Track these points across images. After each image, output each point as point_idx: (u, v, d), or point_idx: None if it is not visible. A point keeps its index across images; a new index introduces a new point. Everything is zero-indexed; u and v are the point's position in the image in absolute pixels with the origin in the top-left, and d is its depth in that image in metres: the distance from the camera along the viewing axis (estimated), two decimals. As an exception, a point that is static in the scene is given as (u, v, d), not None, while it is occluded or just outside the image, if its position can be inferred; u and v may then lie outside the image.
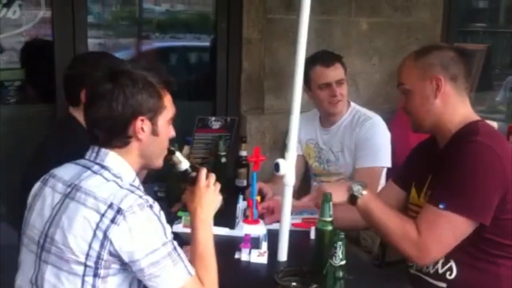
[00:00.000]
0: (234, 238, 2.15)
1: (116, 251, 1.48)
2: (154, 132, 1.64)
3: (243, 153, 2.85)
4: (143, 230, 1.50)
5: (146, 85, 1.61)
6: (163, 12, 4.88)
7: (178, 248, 1.57)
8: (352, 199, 2.03)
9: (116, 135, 1.61)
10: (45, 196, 1.63)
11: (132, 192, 1.53)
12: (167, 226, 1.56)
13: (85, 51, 3.15)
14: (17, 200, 2.18)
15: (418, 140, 2.36)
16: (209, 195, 1.78)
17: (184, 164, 1.82)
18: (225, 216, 2.36)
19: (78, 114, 2.26)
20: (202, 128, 2.84)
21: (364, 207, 2.02)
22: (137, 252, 1.49)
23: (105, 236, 1.47)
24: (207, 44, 3.97)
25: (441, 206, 1.89)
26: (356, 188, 2.03)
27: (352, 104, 2.99)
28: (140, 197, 1.52)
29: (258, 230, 2.17)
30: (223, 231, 2.30)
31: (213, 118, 2.88)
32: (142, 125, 1.61)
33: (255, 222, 2.23)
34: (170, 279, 1.53)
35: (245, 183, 2.85)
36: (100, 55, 2.54)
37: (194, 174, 1.81)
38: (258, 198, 2.45)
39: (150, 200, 1.54)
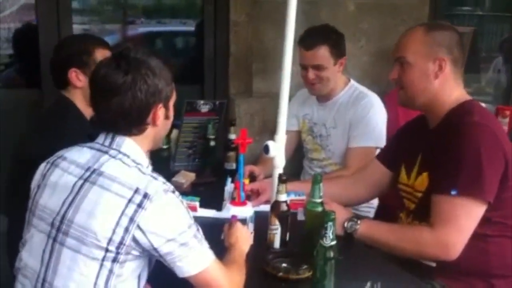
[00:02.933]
0: (221, 220, 2.14)
1: (143, 235, 1.49)
2: (167, 116, 1.69)
3: (232, 136, 2.83)
4: (171, 213, 1.53)
5: (163, 72, 1.63)
6: (149, -4, 4.82)
7: (200, 230, 1.61)
8: (348, 235, 2.05)
9: (137, 123, 1.62)
10: (57, 178, 1.62)
11: (156, 178, 1.55)
12: (189, 210, 1.59)
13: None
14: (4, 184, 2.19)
15: (407, 119, 2.37)
16: (247, 232, 1.94)
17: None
18: (212, 199, 2.38)
19: (69, 95, 2.30)
20: (190, 111, 2.82)
21: (363, 238, 2.04)
22: (166, 235, 1.51)
23: (132, 221, 1.48)
24: (194, 28, 3.94)
25: (453, 193, 1.88)
26: (349, 225, 2.06)
27: (352, 81, 2.96)
28: (164, 183, 1.56)
29: (245, 211, 2.17)
30: (210, 213, 2.30)
31: (202, 102, 2.86)
32: (159, 111, 1.63)
33: (242, 204, 2.23)
34: (198, 259, 1.56)
35: (234, 166, 2.83)
36: (81, 37, 2.55)
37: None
38: (246, 180, 2.45)
39: (171, 186, 1.57)
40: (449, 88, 2.04)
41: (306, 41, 2.76)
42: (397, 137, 2.38)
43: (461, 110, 2.02)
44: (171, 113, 1.72)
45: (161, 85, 1.61)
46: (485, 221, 1.93)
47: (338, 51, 2.83)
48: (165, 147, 2.72)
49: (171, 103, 1.70)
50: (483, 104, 3.02)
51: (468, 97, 2.10)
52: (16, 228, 1.76)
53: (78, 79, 2.28)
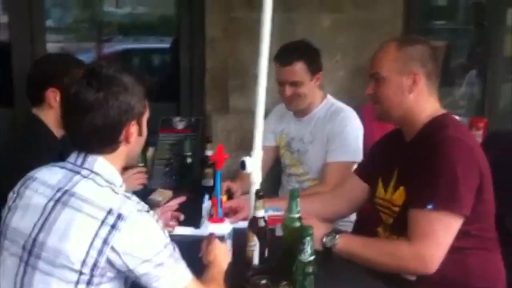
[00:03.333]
0: (199, 237, 2.12)
1: (118, 256, 1.46)
2: (140, 133, 1.66)
3: (209, 152, 2.81)
4: (146, 233, 1.50)
5: (135, 88, 1.60)
6: (125, 14, 4.83)
7: (177, 249, 1.58)
8: (327, 249, 2.04)
9: (109, 141, 1.59)
10: (27, 199, 1.58)
11: (129, 198, 1.53)
12: (164, 229, 1.58)
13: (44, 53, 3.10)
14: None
15: (383, 133, 2.37)
16: (225, 249, 1.91)
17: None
18: (190, 216, 2.36)
19: (42, 114, 2.29)
20: (166, 128, 2.80)
21: (341, 253, 2.03)
22: (141, 255, 1.48)
23: (106, 242, 1.45)
24: (170, 45, 3.93)
25: (429, 207, 1.89)
26: (328, 239, 2.05)
27: (328, 96, 2.97)
28: (138, 202, 1.53)
29: (223, 228, 2.15)
30: (188, 230, 2.28)
31: (178, 118, 2.85)
32: (132, 129, 1.61)
33: (220, 220, 2.21)
34: (175, 279, 1.54)
35: (211, 182, 2.81)
36: (63, 56, 2.55)
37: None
38: (224, 197, 2.43)
39: (146, 205, 1.55)
40: (423, 101, 2.06)
41: (282, 57, 2.76)
42: (373, 150, 2.39)
43: (436, 124, 2.04)
44: (145, 129, 1.69)
45: (133, 102, 1.59)
46: (463, 234, 1.94)
47: (315, 67, 2.83)
48: (140, 165, 2.68)
49: (144, 119, 1.68)
50: (457, 117, 3.06)
51: (443, 111, 2.11)
52: None
53: (55, 99, 2.26)
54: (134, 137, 1.63)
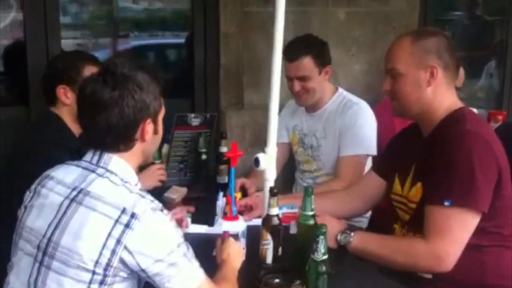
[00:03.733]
0: (213, 235, 2.12)
1: (131, 256, 1.47)
2: (155, 131, 1.66)
3: (224, 149, 2.81)
4: (159, 232, 1.50)
5: (151, 87, 1.61)
6: (140, 10, 4.82)
7: (190, 248, 1.58)
8: (341, 247, 2.02)
9: (125, 140, 1.60)
10: (43, 198, 1.59)
11: (143, 196, 1.53)
12: (178, 228, 1.57)
13: (59, 51, 3.11)
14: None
15: (404, 126, 2.34)
16: (239, 247, 1.92)
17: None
18: (204, 214, 2.35)
19: (59, 112, 2.30)
20: (181, 125, 2.80)
21: (356, 251, 2.02)
22: (154, 255, 1.48)
23: (119, 242, 1.45)
24: (184, 41, 3.92)
25: (446, 203, 1.86)
26: (342, 237, 2.03)
27: (340, 89, 2.94)
28: (152, 201, 1.53)
29: (237, 226, 2.14)
30: (202, 228, 2.28)
31: (192, 115, 2.84)
32: (148, 127, 1.61)
33: (234, 218, 2.20)
34: (188, 279, 1.54)
35: (226, 179, 2.79)
36: (73, 53, 2.55)
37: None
38: (238, 194, 2.42)
39: (160, 204, 1.55)
40: (441, 95, 2.03)
41: (289, 53, 2.74)
42: (391, 146, 2.35)
43: (453, 118, 2.00)
44: (160, 127, 1.69)
45: (148, 100, 1.59)
46: (480, 231, 1.90)
47: (322, 60, 2.81)
48: (157, 161, 2.68)
49: (160, 118, 1.68)
50: (475, 110, 3.01)
51: (460, 104, 2.08)
52: (4, 249, 1.73)
53: (66, 96, 2.27)
54: (150, 135, 1.63)
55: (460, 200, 1.86)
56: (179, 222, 2.20)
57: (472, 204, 1.87)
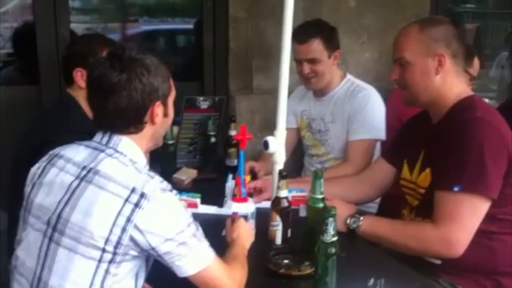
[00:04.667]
0: (223, 216, 2.12)
1: (141, 235, 1.47)
2: (165, 114, 1.66)
3: (233, 132, 2.81)
4: (169, 212, 1.50)
5: (159, 70, 1.60)
6: (150, -5, 4.82)
7: (200, 228, 1.58)
8: (351, 231, 2.03)
9: (134, 122, 1.59)
10: (53, 176, 1.59)
11: (152, 177, 1.52)
12: (187, 209, 1.57)
13: (67, 32, 3.15)
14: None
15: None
16: (248, 228, 1.93)
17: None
18: (214, 196, 2.36)
19: (74, 94, 2.30)
20: (190, 108, 2.79)
21: (365, 235, 2.03)
22: (164, 234, 1.48)
23: (129, 220, 1.45)
24: (193, 26, 3.92)
25: (456, 189, 1.85)
26: (352, 221, 2.05)
27: (348, 75, 2.94)
28: (161, 181, 1.53)
29: (246, 208, 2.14)
30: (211, 209, 2.28)
31: (201, 98, 2.83)
32: (157, 109, 1.61)
33: (243, 200, 2.20)
34: (197, 258, 1.53)
35: (235, 162, 2.81)
36: (91, 37, 2.54)
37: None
38: (247, 177, 2.42)
39: (169, 185, 1.55)
40: (450, 82, 2.02)
41: (299, 35, 2.73)
42: (400, 133, 2.35)
43: (463, 105, 2.00)
44: (171, 110, 1.69)
45: (157, 83, 1.59)
46: (490, 218, 1.90)
47: (332, 44, 2.80)
48: (170, 142, 2.68)
49: (170, 101, 1.67)
50: (486, 100, 3.00)
51: (471, 92, 2.08)
52: (17, 225, 1.74)
53: (83, 79, 2.27)
54: (160, 118, 1.63)
55: (470, 186, 1.86)
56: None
57: (481, 190, 1.87)
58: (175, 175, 2.60)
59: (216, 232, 1.93)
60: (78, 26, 3.60)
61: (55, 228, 1.52)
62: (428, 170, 2.02)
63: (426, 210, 1.98)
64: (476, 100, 2.03)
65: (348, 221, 2.05)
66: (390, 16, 3.58)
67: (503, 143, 1.90)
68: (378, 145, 2.84)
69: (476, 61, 2.92)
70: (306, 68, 2.78)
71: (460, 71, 2.04)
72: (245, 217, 2.00)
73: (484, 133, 1.88)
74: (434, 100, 2.05)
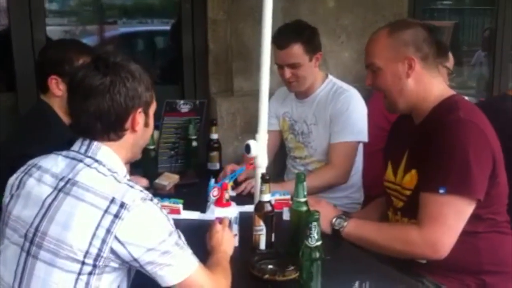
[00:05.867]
0: (206, 222, 2.11)
1: (122, 246, 1.44)
2: (146, 124, 1.65)
3: (214, 136, 2.80)
4: (150, 221, 1.48)
5: (143, 77, 1.60)
6: (128, -3, 4.78)
7: (182, 236, 1.56)
8: (336, 232, 2.03)
9: (115, 128, 1.57)
10: (30, 188, 1.56)
11: (132, 187, 1.50)
12: (169, 217, 1.55)
13: (44, 38, 3.09)
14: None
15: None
16: (228, 233, 1.90)
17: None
18: (196, 201, 2.34)
19: (49, 101, 2.25)
20: (170, 112, 2.77)
21: (349, 236, 2.03)
22: (146, 244, 1.46)
23: (109, 232, 1.43)
24: (172, 27, 3.89)
25: (441, 191, 1.86)
26: (337, 221, 2.05)
27: (330, 76, 2.93)
28: (141, 191, 1.51)
29: (229, 212, 2.13)
30: (194, 215, 2.27)
31: (182, 102, 2.82)
32: (139, 117, 1.60)
33: (226, 204, 2.19)
34: (181, 267, 1.52)
35: (217, 166, 2.81)
36: (67, 43, 2.46)
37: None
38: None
39: (149, 194, 1.53)
40: (425, 84, 2.02)
41: (278, 40, 2.72)
42: (389, 133, 2.35)
43: (445, 106, 2.00)
44: (151, 121, 1.68)
45: (140, 90, 1.58)
46: (475, 218, 1.91)
47: (312, 47, 2.78)
48: (151, 147, 2.65)
49: (151, 111, 1.66)
50: (466, 98, 3.01)
51: (452, 92, 2.08)
52: None
53: (58, 87, 2.22)
54: (141, 127, 1.62)
55: (455, 188, 1.86)
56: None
57: (467, 192, 1.87)
58: (157, 181, 2.58)
59: (200, 238, 1.92)
60: (55, 29, 3.55)
61: (32, 241, 1.49)
62: (414, 172, 2.01)
63: (411, 211, 1.98)
64: (459, 100, 2.03)
65: (333, 221, 2.05)
66: (369, 16, 3.58)
67: (487, 143, 1.91)
68: (361, 146, 2.84)
69: (450, 56, 2.94)
70: (287, 72, 2.77)
71: (434, 72, 2.04)
72: (228, 222, 1.99)
73: (468, 134, 1.88)
74: (413, 104, 2.05)
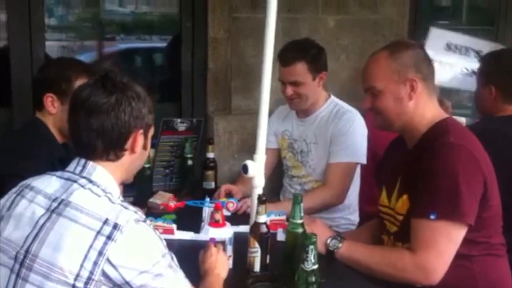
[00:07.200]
0: (200, 242, 2.08)
1: (114, 269, 1.41)
2: (144, 146, 1.64)
3: (210, 155, 2.78)
4: (143, 243, 1.46)
5: (147, 99, 1.61)
6: (127, 13, 4.80)
7: (175, 258, 1.55)
8: (330, 253, 2.01)
9: (115, 147, 1.57)
10: (22, 208, 1.53)
11: (126, 208, 1.48)
12: (162, 238, 1.53)
13: (42, 54, 3.08)
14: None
15: (386, 137, 2.32)
16: (222, 256, 1.86)
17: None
18: (190, 220, 2.32)
19: (44, 118, 2.25)
20: (167, 130, 2.76)
21: (343, 258, 2.01)
22: (138, 267, 1.43)
23: (101, 254, 1.40)
24: (171, 45, 3.88)
25: (432, 217, 1.84)
26: (332, 243, 2.03)
27: (332, 96, 2.93)
28: (135, 212, 1.49)
29: (224, 233, 2.10)
30: (188, 235, 2.24)
31: (179, 120, 2.81)
32: (139, 138, 1.60)
33: (221, 225, 2.16)
34: None
35: (213, 185, 2.78)
36: (65, 63, 2.41)
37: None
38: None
39: (143, 215, 1.51)
40: (422, 106, 2.01)
41: (283, 57, 2.72)
42: (382, 157, 2.33)
43: (437, 130, 1.98)
44: (149, 144, 1.68)
45: (144, 111, 1.59)
46: (468, 241, 1.89)
47: (317, 66, 2.78)
48: (147, 165, 2.63)
49: (150, 134, 1.67)
50: (462, 120, 3.00)
51: (444, 115, 2.06)
52: None
53: (53, 105, 2.21)
54: (139, 148, 1.61)
55: (446, 213, 1.84)
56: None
57: (457, 217, 1.85)
58: (151, 199, 2.55)
59: (193, 259, 1.88)
60: (53, 44, 3.54)
61: (22, 263, 1.46)
62: (405, 197, 1.99)
63: (405, 236, 1.96)
64: (450, 124, 2.01)
65: (328, 241, 2.03)
66: (369, 37, 3.59)
67: (478, 167, 1.89)
68: (358, 168, 2.82)
69: None
70: (290, 90, 2.76)
71: (431, 93, 2.04)
72: (223, 243, 1.96)
73: (457, 159, 1.86)
74: (407, 125, 2.03)
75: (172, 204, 2.33)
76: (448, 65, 3.28)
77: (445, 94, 3.91)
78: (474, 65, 3.15)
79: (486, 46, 3.24)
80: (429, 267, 1.85)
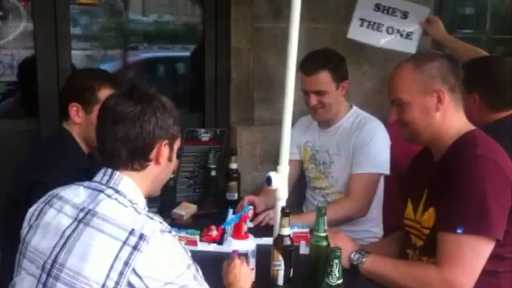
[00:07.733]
0: (223, 254, 2.08)
1: (140, 280, 1.42)
2: (170, 158, 1.66)
3: (233, 165, 2.78)
4: (168, 254, 1.47)
5: (173, 111, 1.63)
6: (150, 23, 4.84)
7: (199, 270, 1.56)
8: (354, 267, 2.00)
9: (139, 156, 1.59)
10: (50, 218, 1.55)
11: (152, 218, 1.50)
12: (187, 249, 1.54)
13: (68, 64, 3.12)
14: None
15: (406, 148, 2.30)
16: (246, 269, 1.84)
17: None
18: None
19: (70, 128, 2.28)
20: (191, 140, 2.77)
21: (368, 273, 1.99)
22: (164, 278, 1.44)
23: (127, 265, 1.41)
24: (195, 54, 3.90)
25: (459, 231, 1.81)
26: (356, 257, 2.02)
27: (354, 107, 2.92)
28: (161, 222, 1.50)
29: (247, 245, 2.10)
30: (211, 247, 2.24)
31: (202, 130, 2.81)
32: (164, 149, 1.61)
33: (244, 237, 2.16)
34: None
35: (236, 196, 2.78)
36: (91, 73, 2.48)
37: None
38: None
39: (169, 226, 1.53)
40: (450, 117, 1.99)
41: (306, 66, 2.72)
42: (408, 169, 2.31)
43: (464, 142, 1.96)
44: (174, 157, 1.69)
45: (169, 122, 1.61)
46: (496, 257, 1.86)
47: (340, 75, 2.78)
48: (170, 176, 2.64)
49: (176, 146, 1.68)
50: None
51: (471, 127, 2.04)
52: (10, 263, 1.69)
53: (78, 115, 2.25)
54: (164, 159, 1.62)
55: (473, 227, 1.81)
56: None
57: (485, 232, 1.82)
58: (175, 210, 2.56)
59: (216, 271, 1.89)
60: (78, 53, 3.58)
61: (49, 273, 1.47)
62: (431, 210, 1.97)
63: (431, 250, 1.94)
64: (477, 136, 1.99)
65: (352, 255, 2.01)
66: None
67: (505, 179, 1.86)
68: (382, 179, 2.80)
69: None
70: (313, 99, 2.76)
71: (458, 105, 2.01)
72: (246, 255, 1.95)
73: (485, 171, 1.84)
74: (435, 137, 2.01)
75: (213, 234, 2.30)
76: (377, 25, 3.28)
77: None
78: (399, 24, 3.23)
79: (412, 7, 3.25)
80: (456, 282, 1.82)
